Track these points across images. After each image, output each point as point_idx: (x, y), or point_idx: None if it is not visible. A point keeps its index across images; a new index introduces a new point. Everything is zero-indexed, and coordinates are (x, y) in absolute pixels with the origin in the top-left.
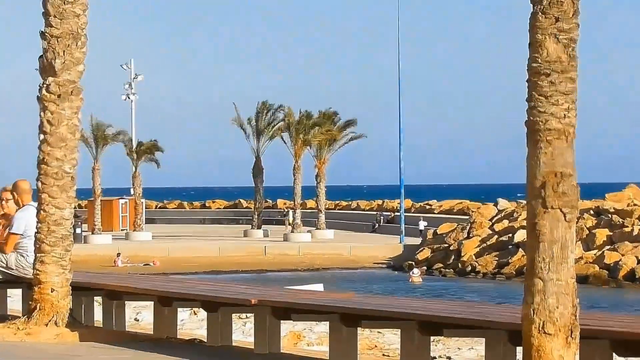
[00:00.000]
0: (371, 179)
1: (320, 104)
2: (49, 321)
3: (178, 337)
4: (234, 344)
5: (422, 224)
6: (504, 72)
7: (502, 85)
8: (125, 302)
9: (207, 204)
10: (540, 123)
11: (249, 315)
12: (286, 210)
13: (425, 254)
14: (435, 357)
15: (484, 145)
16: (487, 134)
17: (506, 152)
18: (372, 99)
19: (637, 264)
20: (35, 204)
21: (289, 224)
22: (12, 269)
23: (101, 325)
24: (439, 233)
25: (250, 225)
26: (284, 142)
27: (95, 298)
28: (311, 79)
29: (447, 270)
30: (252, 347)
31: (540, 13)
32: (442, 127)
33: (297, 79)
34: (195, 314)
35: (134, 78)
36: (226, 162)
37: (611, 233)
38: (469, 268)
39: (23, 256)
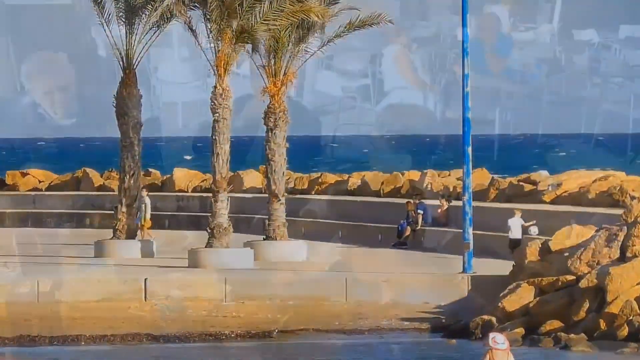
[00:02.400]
0: (394, 126)
1: None
2: None
3: None
4: None
5: (516, 224)
6: None
7: None
8: None
9: (8, 180)
10: None
11: None
12: (141, 195)
13: (521, 297)
14: None
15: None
16: None
17: None
18: None
19: None
20: None
21: (141, 229)
22: None
23: None
24: (553, 250)
25: (113, 231)
26: (194, 37)
27: None
28: None
29: (572, 334)
30: None
31: None
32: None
33: None
34: None
35: None
36: (63, 80)
37: None
38: (625, 330)
39: None
